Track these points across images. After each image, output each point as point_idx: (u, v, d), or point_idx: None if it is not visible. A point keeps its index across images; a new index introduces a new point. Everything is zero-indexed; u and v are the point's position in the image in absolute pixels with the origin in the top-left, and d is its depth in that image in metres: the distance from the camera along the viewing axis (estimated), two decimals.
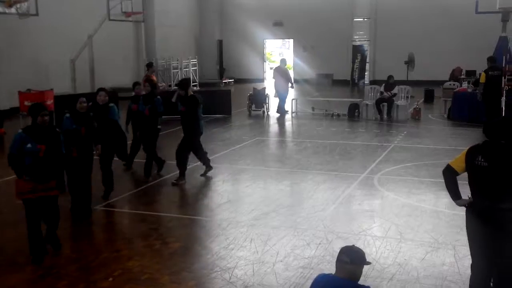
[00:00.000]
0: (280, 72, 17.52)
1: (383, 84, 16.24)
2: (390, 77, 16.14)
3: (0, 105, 14.91)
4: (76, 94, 16.39)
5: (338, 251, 3.65)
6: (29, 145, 5.75)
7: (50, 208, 6.08)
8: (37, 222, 5.93)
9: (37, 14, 15.56)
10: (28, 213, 5.89)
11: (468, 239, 4.56)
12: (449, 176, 4.53)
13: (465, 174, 4.51)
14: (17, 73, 17.08)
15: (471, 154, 4.41)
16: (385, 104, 15.90)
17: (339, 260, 3.53)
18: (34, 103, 6.56)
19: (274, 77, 18.02)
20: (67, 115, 7.32)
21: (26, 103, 14.54)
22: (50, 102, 14.78)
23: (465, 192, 4.53)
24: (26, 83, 15.89)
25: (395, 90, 15.89)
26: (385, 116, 15.80)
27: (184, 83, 9.27)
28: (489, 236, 4.34)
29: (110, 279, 5.53)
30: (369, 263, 3.65)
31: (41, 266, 5.89)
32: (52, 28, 18.44)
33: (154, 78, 15.49)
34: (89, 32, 18.47)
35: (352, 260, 3.50)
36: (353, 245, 3.73)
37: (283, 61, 18.29)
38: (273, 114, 17.32)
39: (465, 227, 4.59)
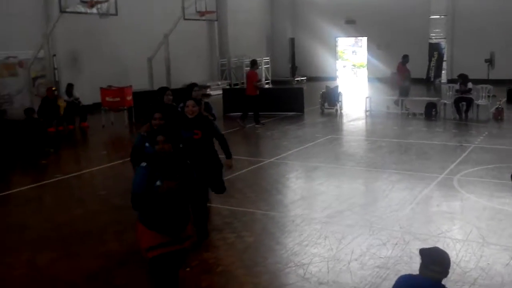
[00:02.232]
0: (398, 67, 17.68)
1: (458, 83, 15.59)
2: (460, 76, 15.48)
3: (84, 101, 15.64)
4: (153, 90, 16.91)
5: (423, 254, 3.57)
6: (157, 183, 4.20)
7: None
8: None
9: (116, 14, 16.15)
10: (161, 274, 4.39)
11: None
12: None
13: None
14: (98, 71, 17.90)
15: None
16: (464, 103, 15.28)
17: (430, 270, 3.47)
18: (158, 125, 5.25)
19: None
20: (143, 133, 6.03)
21: (107, 98, 15.24)
22: (129, 98, 15.39)
23: None
24: (107, 80, 16.60)
25: (469, 85, 15.14)
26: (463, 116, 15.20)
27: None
28: None
29: (188, 269, 5.65)
30: None
31: (121, 254, 6.12)
32: (130, 28, 19.14)
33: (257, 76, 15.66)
34: (165, 31, 18.99)
35: (445, 271, 3.51)
36: (442, 251, 3.67)
37: (404, 57, 17.81)
38: (346, 112, 17.10)
39: None
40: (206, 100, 8.85)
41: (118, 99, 15.17)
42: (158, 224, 4.25)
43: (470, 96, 15.24)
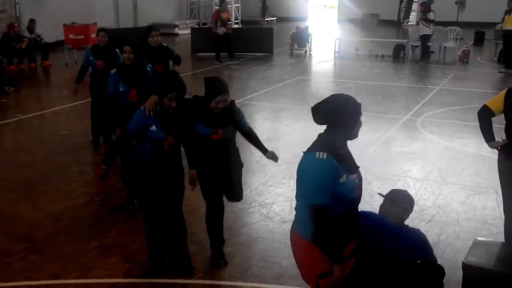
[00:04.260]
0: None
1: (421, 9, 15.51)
2: (423, 4, 15.31)
3: (46, 38, 15.08)
4: (119, 28, 16.41)
5: (392, 194, 3.62)
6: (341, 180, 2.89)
7: None
8: None
9: None
10: None
11: (500, 181, 4.50)
12: (485, 117, 4.42)
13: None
14: (61, 6, 17.15)
15: (510, 96, 4.28)
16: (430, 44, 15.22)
17: (401, 208, 3.49)
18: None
19: None
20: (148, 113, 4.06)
21: (70, 36, 14.74)
22: (94, 35, 14.87)
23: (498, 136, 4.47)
24: (70, 16, 15.98)
25: (431, 16, 14.86)
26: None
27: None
28: None
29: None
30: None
31: (86, 193, 6.09)
32: None
33: (227, 16, 15.39)
34: None
35: (411, 209, 3.58)
36: (406, 191, 3.73)
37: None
38: (315, 53, 16.99)
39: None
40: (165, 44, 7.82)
41: (82, 36, 14.69)
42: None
43: (428, 30, 14.83)
